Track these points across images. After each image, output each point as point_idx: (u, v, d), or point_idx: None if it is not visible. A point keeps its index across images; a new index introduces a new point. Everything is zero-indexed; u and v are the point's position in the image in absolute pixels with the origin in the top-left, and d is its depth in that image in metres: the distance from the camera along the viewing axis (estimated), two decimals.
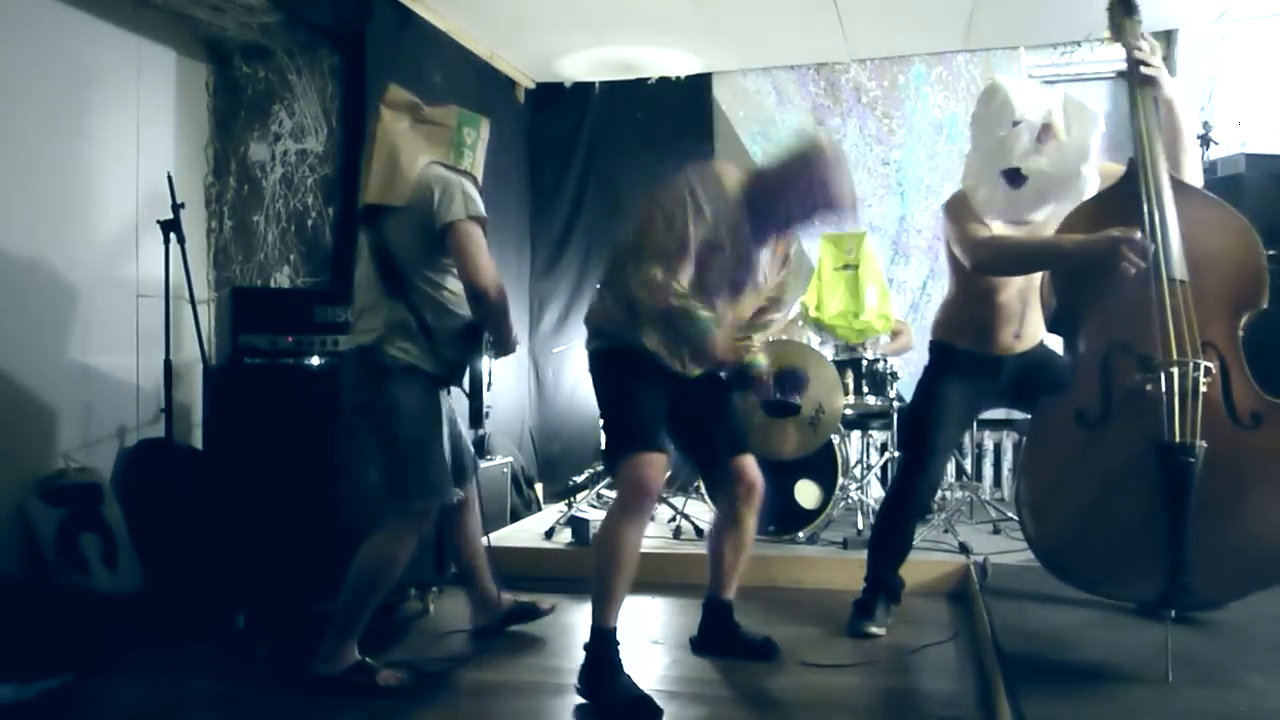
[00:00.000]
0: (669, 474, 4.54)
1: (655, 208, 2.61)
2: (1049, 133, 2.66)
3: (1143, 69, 2.50)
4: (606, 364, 2.75)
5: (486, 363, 2.82)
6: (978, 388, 2.96)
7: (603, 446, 2.84)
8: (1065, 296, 2.53)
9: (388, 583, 2.70)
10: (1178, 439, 2.23)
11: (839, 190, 2.61)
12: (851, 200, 2.64)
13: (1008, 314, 2.90)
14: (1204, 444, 2.22)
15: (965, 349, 2.97)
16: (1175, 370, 2.26)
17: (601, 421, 2.82)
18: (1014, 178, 2.68)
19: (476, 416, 2.81)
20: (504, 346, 2.80)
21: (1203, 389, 2.25)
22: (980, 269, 2.78)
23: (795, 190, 2.60)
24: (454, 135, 2.79)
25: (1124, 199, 2.44)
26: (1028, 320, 2.91)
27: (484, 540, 3.12)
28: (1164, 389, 2.25)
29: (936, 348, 3.08)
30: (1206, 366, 2.26)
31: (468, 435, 3.04)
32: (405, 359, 2.66)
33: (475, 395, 2.77)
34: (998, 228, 2.78)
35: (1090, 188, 2.64)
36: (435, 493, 2.70)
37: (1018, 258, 2.69)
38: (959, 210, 2.81)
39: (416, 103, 2.81)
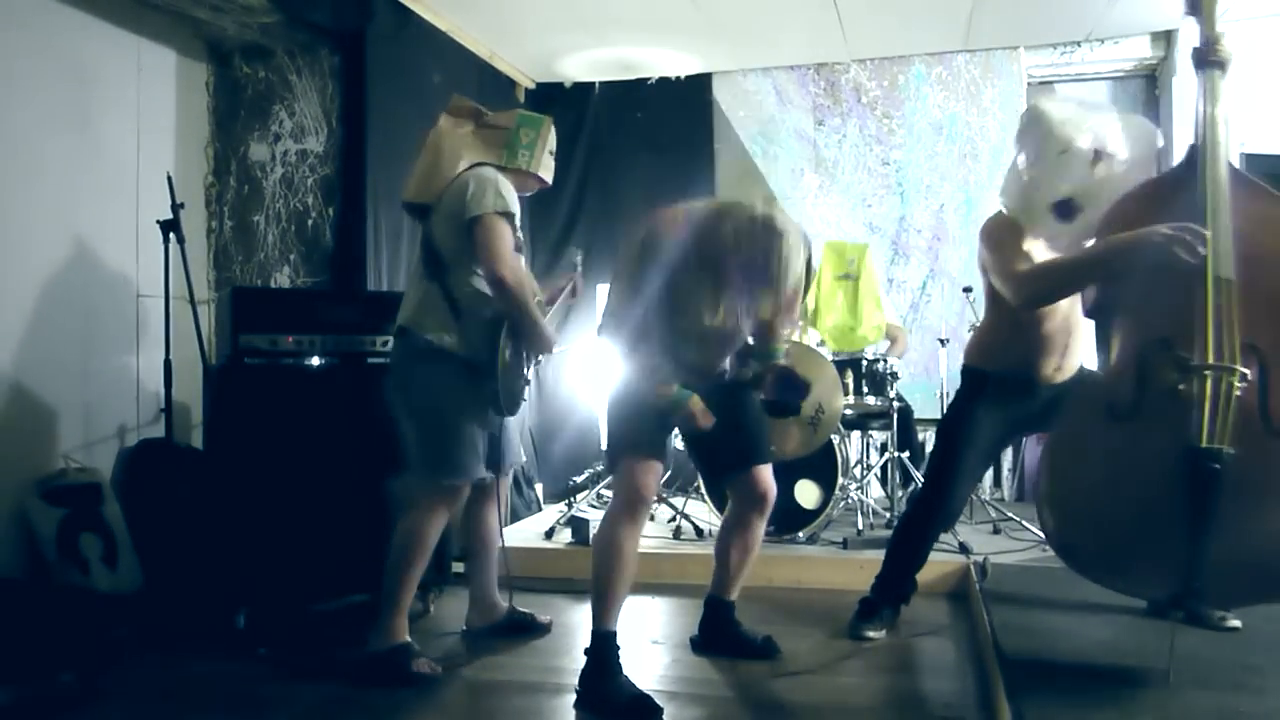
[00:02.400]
0: (667, 475, 4.57)
1: (617, 270, 2.68)
2: (1101, 157, 2.51)
3: (1218, 51, 2.36)
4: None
5: (529, 364, 2.96)
6: (1013, 412, 2.84)
7: (604, 447, 2.85)
8: (1107, 286, 2.43)
9: (423, 560, 2.80)
10: (1206, 444, 2.16)
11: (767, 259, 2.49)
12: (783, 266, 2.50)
13: (1050, 346, 2.76)
14: (1232, 451, 2.15)
15: (1001, 372, 2.84)
16: (1210, 375, 2.18)
17: (605, 423, 2.82)
18: (1065, 209, 2.55)
19: (494, 401, 2.82)
20: (536, 342, 2.90)
21: (1236, 393, 2.18)
22: (1029, 305, 2.63)
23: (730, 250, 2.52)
24: (510, 136, 2.94)
25: (1178, 188, 2.34)
26: (1070, 351, 2.80)
27: (499, 540, 3.16)
28: (1197, 392, 2.18)
29: (971, 373, 2.94)
30: (1244, 373, 2.18)
31: (516, 428, 3.11)
32: (437, 341, 2.77)
33: (512, 390, 2.83)
34: (1042, 251, 2.68)
35: None
36: (462, 471, 2.79)
37: (1064, 280, 2.54)
38: (998, 238, 2.69)
39: (480, 109, 2.97)
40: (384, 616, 2.78)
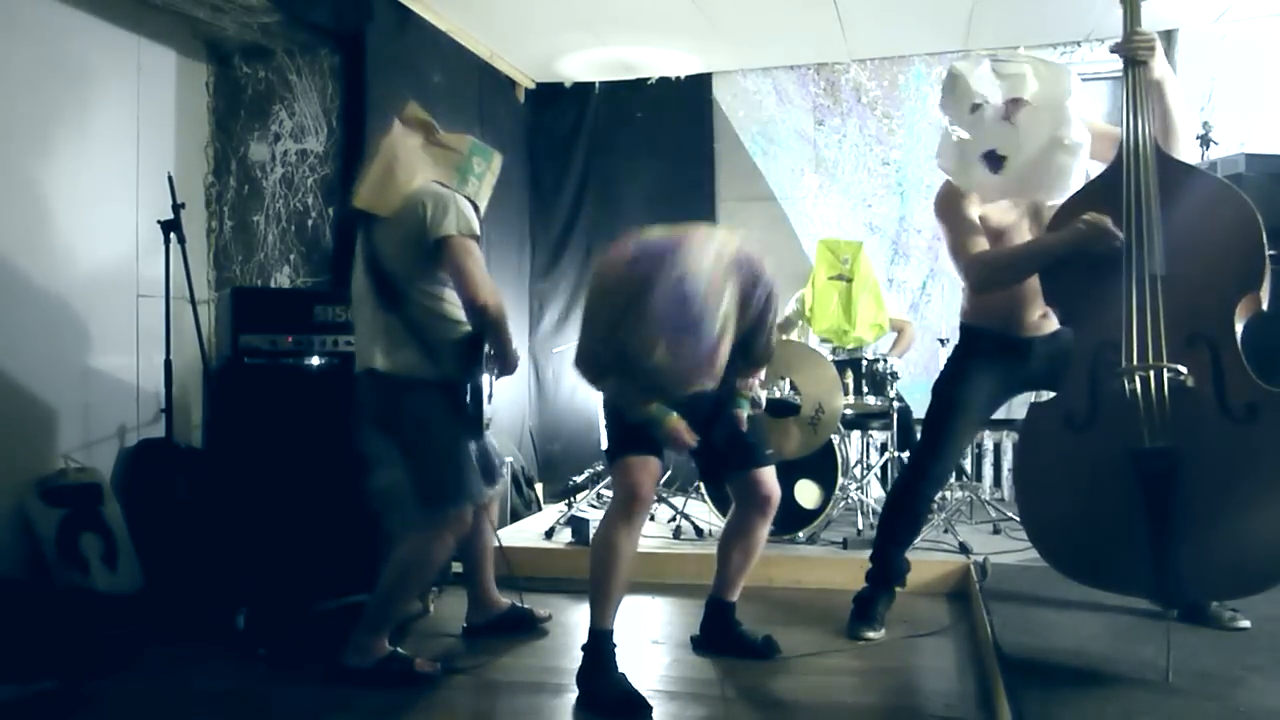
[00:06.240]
0: (667, 474, 4.57)
1: (592, 284, 2.65)
2: (1017, 105, 2.56)
3: (1135, 50, 2.49)
4: None
5: (488, 379, 2.87)
6: (1006, 369, 2.90)
7: (603, 448, 2.85)
8: (1054, 296, 2.53)
9: (424, 581, 2.81)
10: (1148, 444, 2.22)
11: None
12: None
13: (1029, 295, 2.80)
14: (1173, 447, 2.20)
15: (993, 330, 2.90)
16: (1139, 375, 2.24)
17: (602, 424, 2.83)
18: (993, 160, 2.61)
19: (475, 427, 2.83)
20: (506, 363, 2.83)
21: (1188, 386, 2.22)
22: (980, 289, 2.76)
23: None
24: (463, 161, 2.83)
25: (1110, 188, 2.40)
26: None
27: (495, 540, 3.18)
28: (1130, 393, 2.24)
29: (965, 331, 3.02)
30: (1175, 368, 2.22)
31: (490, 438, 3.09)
32: (414, 374, 2.70)
33: (475, 405, 2.79)
34: (994, 211, 2.75)
35: (1078, 149, 2.56)
36: (469, 496, 2.75)
37: (1005, 270, 2.67)
38: (949, 210, 2.78)
39: (432, 124, 2.86)
40: (370, 631, 2.72)
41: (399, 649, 2.76)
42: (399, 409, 2.73)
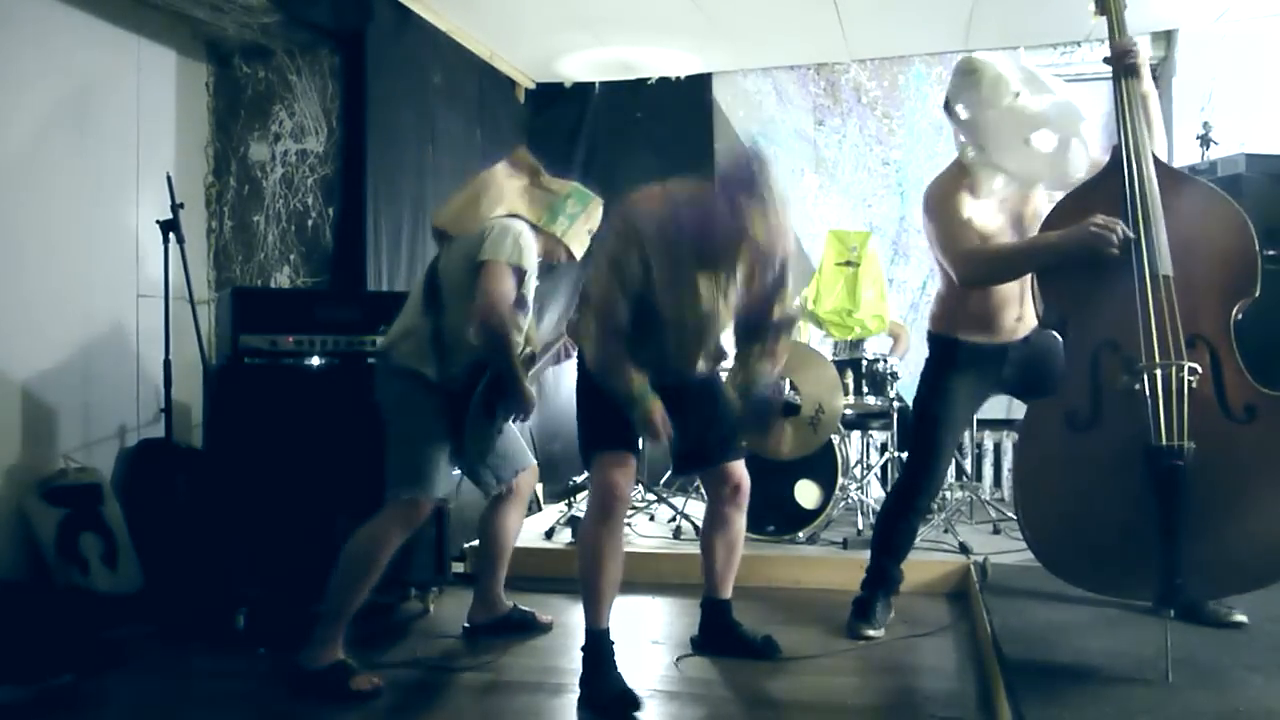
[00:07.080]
0: (667, 476, 4.57)
1: (596, 261, 2.62)
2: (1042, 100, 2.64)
3: (1128, 59, 2.50)
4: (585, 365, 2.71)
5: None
6: (983, 379, 2.91)
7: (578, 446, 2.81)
8: (1053, 295, 2.52)
9: (370, 575, 2.69)
10: (1164, 442, 2.22)
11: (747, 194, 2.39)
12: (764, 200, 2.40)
13: (1007, 298, 2.82)
14: (1192, 445, 2.21)
15: (969, 342, 2.88)
16: (1159, 372, 2.25)
17: (577, 420, 2.77)
18: (1045, 140, 2.62)
19: (460, 439, 2.83)
20: (512, 398, 2.83)
21: (1192, 386, 2.24)
22: (969, 283, 2.73)
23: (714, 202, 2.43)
24: (557, 201, 2.99)
25: (1108, 191, 2.41)
26: (1026, 302, 2.84)
27: (513, 542, 3.20)
28: (1149, 391, 2.24)
29: (939, 341, 2.96)
30: (1192, 366, 2.24)
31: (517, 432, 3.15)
32: (410, 363, 2.77)
33: (459, 419, 2.80)
34: (980, 214, 2.72)
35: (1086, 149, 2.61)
36: (416, 486, 2.74)
37: (1005, 265, 2.65)
38: (944, 205, 2.74)
39: (539, 168, 3.02)
40: (322, 630, 2.68)
41: (348, 660, 2.69)
42: (387, 389, 2.83)
